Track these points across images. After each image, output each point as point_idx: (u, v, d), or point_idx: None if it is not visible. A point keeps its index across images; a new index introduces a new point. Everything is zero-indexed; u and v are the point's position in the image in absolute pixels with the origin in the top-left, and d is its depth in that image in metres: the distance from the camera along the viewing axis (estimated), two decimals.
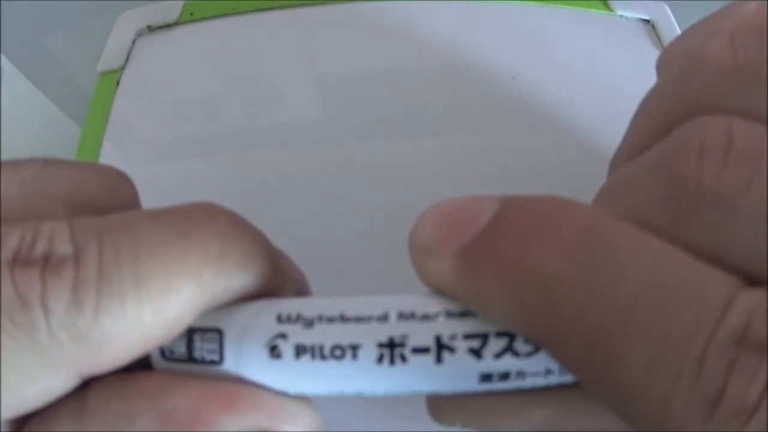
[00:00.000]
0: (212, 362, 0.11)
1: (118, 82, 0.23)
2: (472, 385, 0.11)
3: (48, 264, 0.10)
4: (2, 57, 0.28)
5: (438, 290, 0.11)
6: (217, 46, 0.24)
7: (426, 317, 0.11)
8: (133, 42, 0.24)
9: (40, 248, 0.10)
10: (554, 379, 0.11)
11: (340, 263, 0.20)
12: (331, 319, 0.11)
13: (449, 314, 0.11)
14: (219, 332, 0.11)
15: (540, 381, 0.11)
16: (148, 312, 0.10)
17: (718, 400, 0.08)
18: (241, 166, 0.21)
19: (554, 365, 0.10)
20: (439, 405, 0.12)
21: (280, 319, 0.11)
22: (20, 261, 0.10)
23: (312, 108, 0.22)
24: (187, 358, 0.11)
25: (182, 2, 0.25)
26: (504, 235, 0.10)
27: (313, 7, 0.24)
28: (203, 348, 0.11)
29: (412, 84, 0.22)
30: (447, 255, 0.10)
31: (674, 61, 0.11)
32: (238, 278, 0.11)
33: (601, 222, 0.09)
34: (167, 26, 0.25)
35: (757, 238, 0.09)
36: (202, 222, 0.11)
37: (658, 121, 0.11)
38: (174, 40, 0.24)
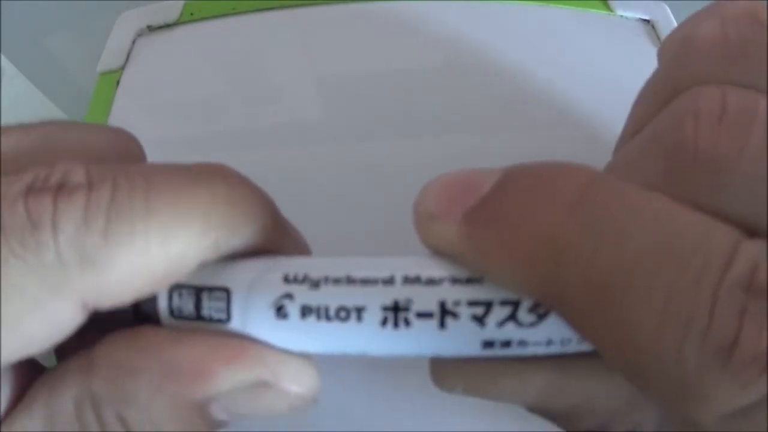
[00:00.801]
0: (219, 321, 0.11)
1: (118, 82, 0.23)
2: (474, 350, 0.11)
3: (61, 190, 0.10)
4: (2, 57, 0.28)
5: (440, 253, 0.11)
6: (217, 46, 0.24)
7: (431, 282, 0.11)
8: (133, 42, 0.24)
9: (55, 179, 0.10)
10: (555, 349, 0.11)
11: None
12: (337, 281, 0.11)
13: (454, 280, 0.10)
14: (226, 291, 0.11)
15: (541, 350, 0.11)
16: (155, 241, 0.10)
17: (733, 347, 0.08)
18: (241, 166, 0.21)
19: (556, 336, 0.10)
20: (441, 369, 0.11)
21: (286, 279, 0.11)
22: (34, 190, 0.10)
23: (312, 108, 0.22)
24: (195, 316, 0.11)
25: (182, 2, 0.25)
26: (508, 197, 0.10)
27: (313, 7, 0.24)
28: (211, 306, 0.11)
29: (412, 84, 0.22)
30: (452, 220, 0.10)
31: (670, 47, 0.11)
32: (242, 229, 0.11)
33: (603, 180, 0.09)
34: (167, 26, 0.25)
35: (756, 194, 0.09)
36: (213, 173, 0.11)
37: (656, 100, 0.11)
38: (174, 40, 0.24)
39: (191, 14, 0.25)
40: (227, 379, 0.11)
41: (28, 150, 0.11)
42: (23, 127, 0.11)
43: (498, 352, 0.11)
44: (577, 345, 0.11)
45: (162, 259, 0.10)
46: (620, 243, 0.09)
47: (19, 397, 0.11)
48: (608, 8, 0.24)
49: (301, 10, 0.24)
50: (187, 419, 0.11)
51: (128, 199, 0.10)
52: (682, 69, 0.11)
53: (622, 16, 0.24)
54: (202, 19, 0.25)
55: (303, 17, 0.24)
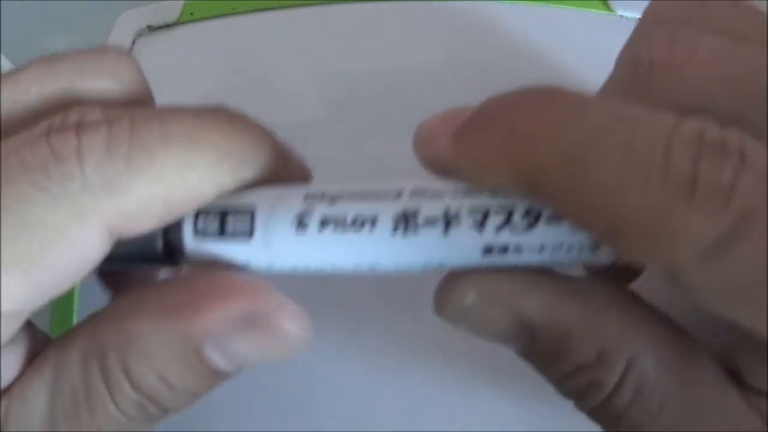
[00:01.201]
0: (242, 237, 0.12)
1: None
2: (475, 257, 0.12)
3: (81, 127, 0.11)
4: (2, 57, 0.28)
5: (439, 172, 0.12)
6: (217, 46, 0.24)
7: (435, 194, 0.12)
8: (133, 42, 0.24)
9: (72, 120, 0.11)
10: (547, 256, 0.12)
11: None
12: (352, 196, 0.12)
13: (456, 192, 0.12)
14: (250, 210, 0.12)
15: (535, 257, 0.12)
16: (172, 169, 0.11)
17: (694, 184, 0.09)
18: None
19: (548, 241, 0.12)
20: (451, 280, 0.12)
21: (306, 197, 0.12)
22: (54, 130, 0.11)
23: (312, 108, 0.22)
24: (219, 233, 0.12)
25: (182, 2, 0.25)
26: (487, 110, 0.12)
27: (313, 7, 0.24)
28: (235, 225, 0.12)
29: (413, 84, 0.22)
30: (444, 139, 0.12)
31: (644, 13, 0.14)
32: (251, 159, 0.12)
33: (566, 88, 0.11)
34: (167, 26, 0.25)
35: (700, 92, 0.11)
36: (222, 111, 0.12)
37: (626, 53, 0.13)
38: (174, 40, 0.24)
39: (191, 14, 0.25)
40: (224, 312, 0.11)
41: (48, 97, 0.12)
42: (37, 80, 0.12)
43: (496, 259, 0.12)
44: (566, 254, 0.12)
45: (179, 186, 0.11)
46: (581, 122, 0.10)
47: (30, 362, 0.12)
48: (608, 8, 0.24)
49: (301, 10, 0.24)
50: (187, 364, 0.11)
51: (146, 131, 0.11)
52: (647, 25, 0.13)
53: (622, 16, 0.24)
54: (202, 19, 0.25)
55: (303, 17, 0.24)
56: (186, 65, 0.24)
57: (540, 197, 0.11)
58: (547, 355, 0.12)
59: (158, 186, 0.11)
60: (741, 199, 0.09)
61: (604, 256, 0.12)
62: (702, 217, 0.09)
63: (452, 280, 0.12)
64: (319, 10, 0.24)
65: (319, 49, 0.24)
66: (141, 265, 0.13)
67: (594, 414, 0.12)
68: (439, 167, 0.12)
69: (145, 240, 0.12)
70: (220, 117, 0.12)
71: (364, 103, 0.22)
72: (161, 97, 0.23)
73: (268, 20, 0.24)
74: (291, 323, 0.12)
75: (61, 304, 0.21)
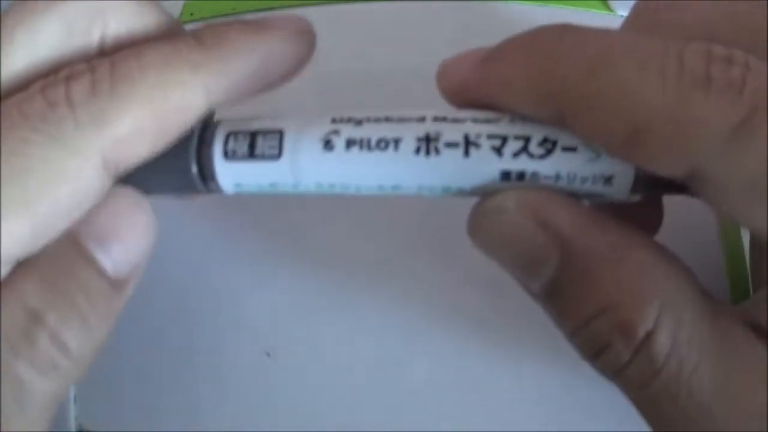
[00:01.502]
0: (271, 157, 0.13)
1: None
2: (494, 180, 0.12)
3: (70, 77, 0.12)
4: None
5: (462, 102, 0.13)
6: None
7: (456, 120, 0.12)
8: None
9: (62, 75, 0.12)
10: (563, 186, 0.12)
11: (343, 261, 0.20)
12: (377, 120, 0.13)
13: (476, 120, 0.12)
14: (279, 132, 0.13)
15: (551, 186, 0.12)
16: (154, 89, 0.12)
17: (707, 78, 0.10)
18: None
19: (563, 169, 0.12)
20: (481, 207, 0.13)
21: (333, 120, 0.13)
22: (48, 84, 0.12)
23: (312, 108, 0.22)
24: (249, 155, 0.13)
25: (182, 2, 0.25)
26: (513, 39, 0.12)
27: (313, 7, 0.24)
28: (264, 145, 0.13)
29: (413, 84, 0.22)
30: (471, 64, 0.13)
31: None
32: (229, 66, 0.13)
33: (578, 24, 0.12)
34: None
35: (706, 21, 0.12)
36: (197, 30, 0.13)
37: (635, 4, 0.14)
38: None
39: (191, 14, 0.25)
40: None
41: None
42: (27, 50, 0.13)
43: (514, 185, 0.12)
44: (581, 184, 0.12)
45: (165, 105, 0.12)
46: (600, 40, 0.11)
47: None
48: (608, 8, 0.24)
49: (301, 10, 0.24)
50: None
51: (125, 65, 0.12)
52: None
53: (622, 16, 0.24)
54: (202, 19, 0.25)
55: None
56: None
57: (563, 110, 0.11)
58: (574, 289, 0.12)
59: (145, 109, 0.12)
60: (751, 92, 0.10)
61: (617, 190, 0.12)
62: (719, 106, 0.10)
63: (488, 197, 0.13)
64: (319, 10, 0.24)
65: (319, 49, 0.23)
66: (179, 192, 0.14)
67: (620, 373, 0.11)
68: (463, 97, 0.13)
69: (180, 166, 0.13)
70: (191, 37, 0.13)
71: (365, 102, 0.22)
72: None
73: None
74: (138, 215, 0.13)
75: None
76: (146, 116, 0.12)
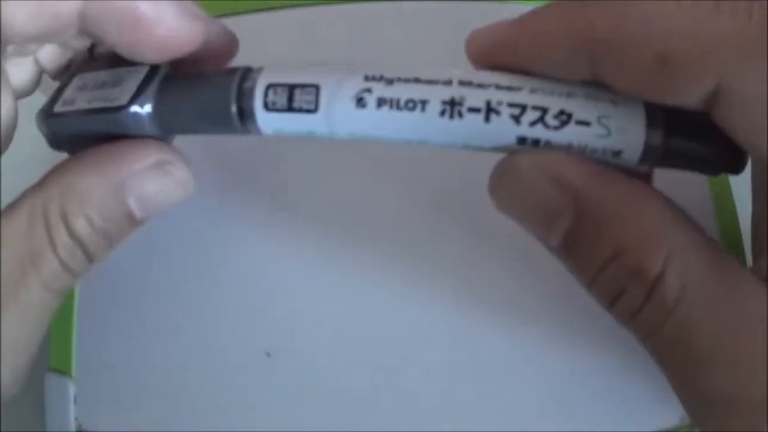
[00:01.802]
0: (308, 111, 0.14)
1: None
2: (511, 144, 0.13)
3: None
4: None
5: (492, 65, 0.14)
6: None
7: (480, 86, 0.13)
8: None
9: None
10: (574, 153, 0.13)
11: (345, 261, 0.20)
12: (407, 80, 0.14)
13: (498, 87, 0.13)
14: (316, 87, 0.14)
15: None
16: None
17: (718, 8, 0.11)
18: (242, 164, 0.21)
19: (575, 141, 0.13)
20: (500, 167, 0.14)
21: (366, 78, 0.14)
22: None
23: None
24: (287, 108, 0.14)
25: None
26: (538, 7, 0.13)
27: (313, 7, 0.24)
28: (302, 100, 0.14)
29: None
30: (503, 27, 0.14)
31: None
32: None
33: None
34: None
35: None
36: None
37: None
38: None
39: None
40: (141, 159, 0.15)
41: None
42: None
43: (529, 149, 0.13)
44: (590, 154, 0.13)
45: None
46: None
47: None
48: None
49: (301, 10, 0.24)
50: (110, 206, 0.14)
51: None
52: None
53: None
54: None
55: (303, 17, 0.24)
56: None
57: (594, 55, 0.12)
58: (589, 238, 0.12)
59: None
60: (759, 16, 0.11)
61: (625, 162, 0.13)
62: (735, 27, 0.11)
63: (505, 158, 0.14)
64: (319, 10, 0.24)
65: (320, 49, 0.23)
66: (218, 130, 0.15)
67: (635, 317, 0.12)
68: (492, 58, 0.14)
69: (223, 108, 0.15)
70: None
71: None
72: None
73: (268, 20, 0.24)
74: (184, 166, 0.15)
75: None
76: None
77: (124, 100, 0.15)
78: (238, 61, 0.26)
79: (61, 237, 0.14)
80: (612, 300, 0.13)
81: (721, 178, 0.20)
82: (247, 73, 0.15)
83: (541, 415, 0.19)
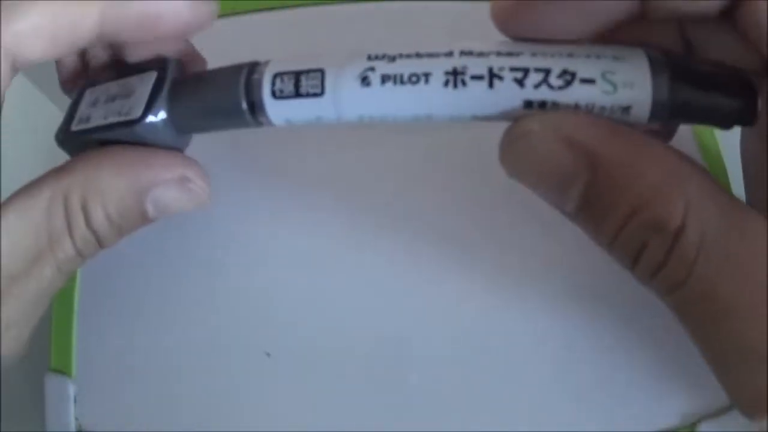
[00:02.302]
0: (315, 95, 0.14)
1: None
2: (518, 109, 0.13)
3: None
4: None
5: (518, 26, 0.14)
6: (217, 46, 0.24)
7: (481, 54, 0.14)
8: None
9: None
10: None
11: (345, 261, 0.20)
12: (409, 56, 0.14)
13: (499, 53, 0.13)
14: (321, 71, 0.14)
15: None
16: (57, 5, 0.14)
17: None
18: (242, 164, 0.21)
19: (582, 100, 0.13)
20: (510, 133, 0.13)
21: (369, 57, 0.14)
22: None
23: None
24: (295, 94, 0.14)
25: None
26: None
27: (313, 7, 0.24)
28: (308, 85, 0.14)
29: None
30: None
31: None
32: (130, 3, 0.15)
33: None
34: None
35: None
36: None
37: None
38: None
39: None
40: (167, 172, 0.15)
41: None
42: None
43: (537, 113, 0.13)
44: (599, 112, 0.13)
45: (63, 19, 0.14)
46: None
47: None
48: None
49: (301, 10, 0.24)
50: (128, 205, 0.15)
51: None
52: None
53: None
54: None
55: (303, 17, 0.24)
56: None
57: None
58: (606, 196, 0.12)
59: (44, 15, 0.14)
60: None
61: (635, 119, 0.13)
62: None
63: (515, 123, 0.13)
64: (319, 10, 0.24)
65: (320, 48, 0.23)
66: (232, 125, 0.16)
67: (658, 273, 0.12)
68: (520, 18, 0.14)
69: (233, 103, 0.15)
70: None
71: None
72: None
73: (268, 20, 0.24)
74: (203, 183, 0.16)
75: (61, 302, 0.21)
76: (45, 21, 0.14)
77: (138, 113, 0.15)
78: (241, 58, 0.26)
79: (79, 226, 0.15)
80: (634, 258, 0.12)
81: (717, 161, 0.20)
82: (254, 66, 0.15)
83: (541, 415, 0.19)
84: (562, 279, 0.19)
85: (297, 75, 0.14)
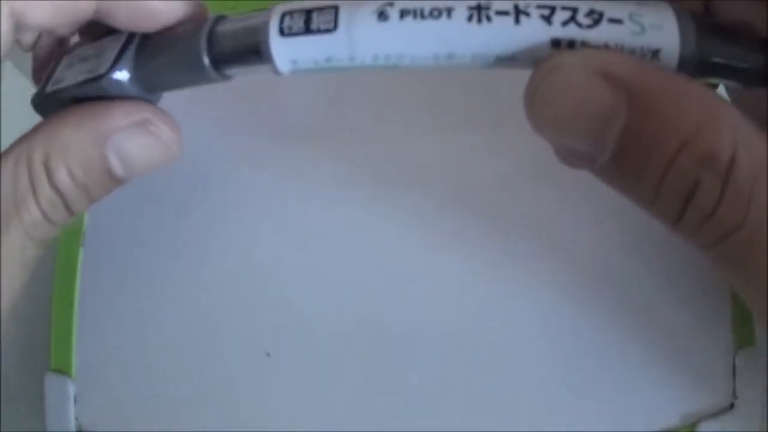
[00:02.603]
0: (327, 31, 0.13)
1: None
2: (545, 48, 0.13)
3: None
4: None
5: None
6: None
7: None
8: None
9: None
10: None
11: (345, 261, 0.20)
12: None
13: None
14: (334, 8, 0.14)
15: None
16: None
17: None
18: (242, 164, 0.21)
19: (611, 40, 0.12)
20: (540, 70, 0.13)
21: None
22: None
23: (314, 107, 0.22)
24: (304, 31, 0.14)
25: None
26: None
27: None
28: (320, 20, 0.14)
29: (414, 83, 0.22)
30: None
31: None
32: None
33: None
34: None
35: None
36: None
37: None
38: None
39: None
40: (124, 117, 0.15)
41: None
42: None
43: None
44: (630, 43, 0.12)
45: None
46: None
47: None
48: None
49: None
50: (91, 161, 0.15)
51: None
52: None
53: None
54: None
55: None
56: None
57: None
58: (649, 134, 0.11)
59: None
60: None
61: (664, 65, 0.13)
62: None
63: (545, 60, 0.13)
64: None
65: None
66: (195, 80, 0.15)
67: (712, 216, 0.11)
68: None
69: (194, 55, 0.15)
70: None
71: (366, 101, 0.22)
72: (162, 97, 0.23)
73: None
74: (168, 129, 0.15)
75: (61, 302, 0.21)
76: None
77: (104, 69, 0.15)
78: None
79: (43, 186, 0.14)
80: (683, 204, 0.11)
81: None
82: (220, 19, 0.15)
83: (541, 415, 0.19)
84: (562, 280, 0.19)
85: (308, 12, 0.14)
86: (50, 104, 0.16)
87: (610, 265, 0.19)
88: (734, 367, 0.18)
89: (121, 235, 0.21)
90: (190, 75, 0.15)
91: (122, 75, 0.15)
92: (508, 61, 0.13)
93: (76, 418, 0.20)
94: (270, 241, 0.21)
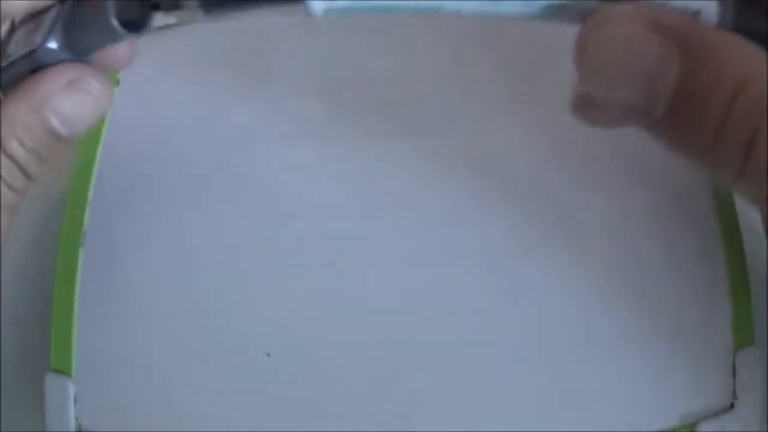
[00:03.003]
0: None
1: (118, 82, 0.22)
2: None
3: None
4: None
5: None
6: (217, 46, 0.24)
7: None
8: None
9: None
10: None
11: (345, 262, 0.20)
12: None
13: None
14: None
15: None
16: None
17: None
18: (242, 164, 0.21)
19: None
20: (588, 26, 0.12)
21: None
22: None
23: (314, 107, 0.22)
24: None
25: None
26: None
27: None
28: None
29: (415, 82, 0.22)
30: None
31: None
32: None
33: None
34: (167, 26, 0.25)
35: None
36: None
37: None
38: (174, 41, 0.24)
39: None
40: (54, 80, 0.16)
41: None
42: None
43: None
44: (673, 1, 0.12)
45: None
46: None
47: None
48: None
49: None
50: (34, 126, 0.16)
51: None
52: None
53: None
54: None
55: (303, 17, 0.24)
56: (186, 66, 0.24)
57: None
58: (704, 82, 0.11)
59: None
60: None
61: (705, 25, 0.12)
62: None
63: (592, 14, 0.12)
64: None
65: (321, 48, 0.23)
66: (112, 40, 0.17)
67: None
68: None
69: (104, 21, 0.16)
70: None
71: (367, 101, 0.22)
72: (160, 97, 0.23)
73: (268, 20, 0.24)
74: (96, 81, 0.17)
75: (61, 302, 0.21)
76: None
77: (39, 41, 0.17)
78: (244, 59, 0.26)
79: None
80: (748, 149, 0.11)
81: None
82: None
83: (541, 415, 0.19)
84: (562, 281, 0.19)
85: None
86: (9, 80, 0.17)
87: (610, 266, 0.19)
88: (734, 367, 0.18)
89: (121, 235, 0.21)
90: (104, 37, 0.17)
91: (53, 44, 0.17)
92: (557, 11, 0.13)
93: (76, 418, 0.20)
94: (271, 241, 0.21)
